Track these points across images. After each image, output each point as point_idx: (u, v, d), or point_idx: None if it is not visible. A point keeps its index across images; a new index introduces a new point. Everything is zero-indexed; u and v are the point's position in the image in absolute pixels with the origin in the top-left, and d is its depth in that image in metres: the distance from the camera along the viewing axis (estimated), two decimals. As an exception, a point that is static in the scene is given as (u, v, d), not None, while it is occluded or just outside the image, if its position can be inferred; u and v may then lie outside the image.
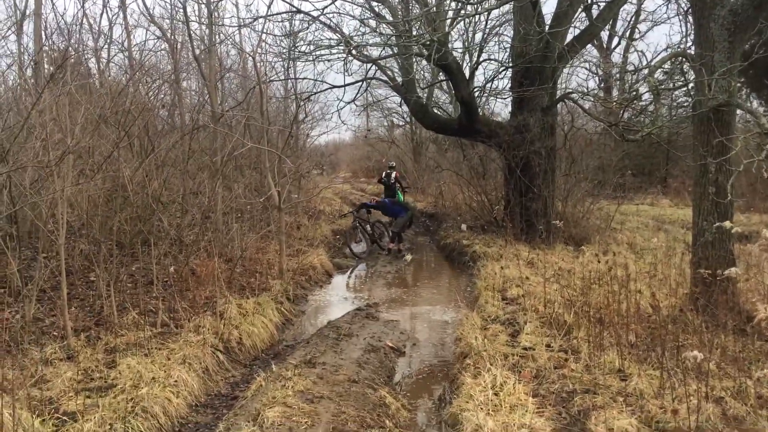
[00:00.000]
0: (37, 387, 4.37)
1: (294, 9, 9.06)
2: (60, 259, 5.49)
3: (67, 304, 5.34)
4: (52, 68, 12.37)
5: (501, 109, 31.04)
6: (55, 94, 6.93)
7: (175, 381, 4.62)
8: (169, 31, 14.45)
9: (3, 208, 6.81)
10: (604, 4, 10.97)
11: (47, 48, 13.34)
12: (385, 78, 13.77)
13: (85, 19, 15.32)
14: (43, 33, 12.03)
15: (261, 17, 11.48)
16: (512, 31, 11.89)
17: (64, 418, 3.96)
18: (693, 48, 6.58)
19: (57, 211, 5.67)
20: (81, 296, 6.43)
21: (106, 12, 23.87)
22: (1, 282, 6.34)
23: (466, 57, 14.77)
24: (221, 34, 13.05)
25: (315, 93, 12.73)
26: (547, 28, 10.20)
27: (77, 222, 7.29)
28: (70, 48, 12.92)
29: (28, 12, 12.17)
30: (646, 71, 8.14)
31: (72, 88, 7.10)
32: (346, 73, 10.08)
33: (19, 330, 5.25)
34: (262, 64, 12.01)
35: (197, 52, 12.00)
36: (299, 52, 10.61)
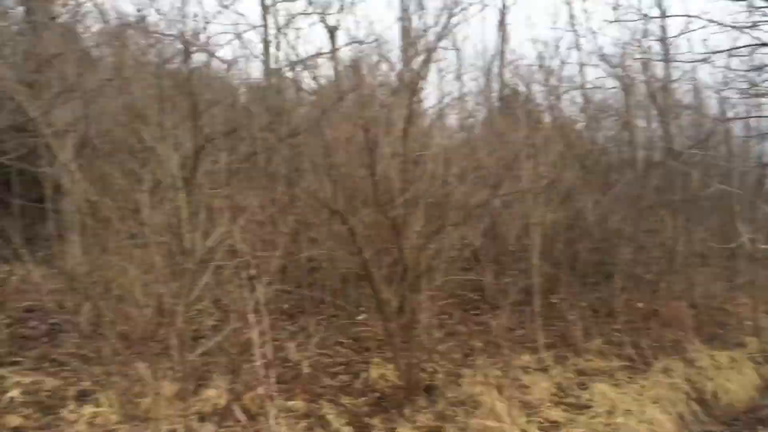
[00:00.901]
0: (518, 390, 4.75)
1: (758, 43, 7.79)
2: (531, 277, 5.96)
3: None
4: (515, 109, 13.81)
5: None
6: (535, 132, 7.67)
7: (650, 419, 4.42)
8: (620, 68, 14.41)
9: (482, 224, 7.82)
10: None
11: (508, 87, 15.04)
12: None
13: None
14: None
15: (720, 51, 10.31)
16: None
17: (546, 424, 4.20)
18: None
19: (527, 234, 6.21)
20: (543, 315, 6.79)
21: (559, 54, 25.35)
22: (479, 290, 7.19)
23: None
24: (678, 69, 12.35)
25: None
26: None
27: (540, 245, 7.80)
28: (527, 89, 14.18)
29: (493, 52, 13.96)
30: None
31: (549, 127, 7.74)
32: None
33: (496, 336, 5.84)
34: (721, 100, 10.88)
35: (652, 89, 11.63)
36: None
